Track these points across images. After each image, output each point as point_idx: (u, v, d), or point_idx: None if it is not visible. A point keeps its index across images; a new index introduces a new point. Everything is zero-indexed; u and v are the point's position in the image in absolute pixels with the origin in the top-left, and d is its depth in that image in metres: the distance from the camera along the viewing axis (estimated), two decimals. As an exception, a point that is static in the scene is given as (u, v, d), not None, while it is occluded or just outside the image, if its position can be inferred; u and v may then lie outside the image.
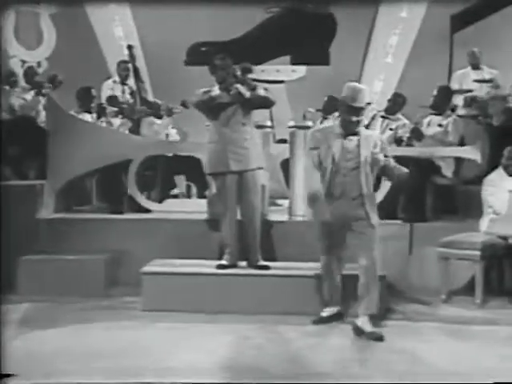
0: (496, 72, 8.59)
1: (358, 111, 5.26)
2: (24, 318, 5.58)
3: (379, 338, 5.07)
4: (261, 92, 6.00)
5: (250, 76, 6.07)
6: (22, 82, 8.76)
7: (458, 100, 8.43)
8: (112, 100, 8.44)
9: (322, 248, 5.47)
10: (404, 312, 5.74)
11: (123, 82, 8.77)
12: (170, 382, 3.91)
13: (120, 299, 6.25)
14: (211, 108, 6.00)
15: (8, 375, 3.90)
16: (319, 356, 4.71)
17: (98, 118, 8.11)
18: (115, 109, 8.30)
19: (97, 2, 11.02)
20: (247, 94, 5.95)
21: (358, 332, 5.18)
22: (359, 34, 10.74)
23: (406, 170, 5.32)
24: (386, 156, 5.33)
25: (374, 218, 5.29)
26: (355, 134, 5.29)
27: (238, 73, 6.06)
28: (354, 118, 5.23)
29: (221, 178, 6.04)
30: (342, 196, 5.24)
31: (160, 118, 8.53)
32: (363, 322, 5.21)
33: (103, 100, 8.54)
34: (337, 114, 8.42)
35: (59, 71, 8.99)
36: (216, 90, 5.98)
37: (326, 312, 5.56)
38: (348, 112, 5.25)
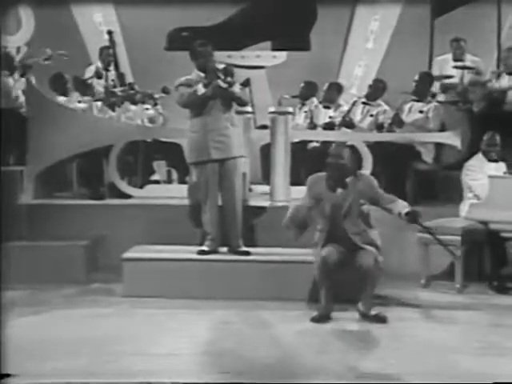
0: (478, 60, 8.60)
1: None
2: (5, 305, 5.55)
3: (382, 320, 5.14)
4: (236, 90, 6.04)
5: (230, 79, 6.06)
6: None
7: (437, 87, 8.44)
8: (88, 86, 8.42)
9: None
10: (383, 297, 5.75)
11: (106, 68, 8.72)
12: (170, 381, 3.90)
13: (101, 285, 6.25)
14: (197, 105, 6.00)
15: (8, 375, 3.87)
16: (300, 341, 4.74)
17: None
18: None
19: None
20: (225, 86, 5.96)
21: (363, 315, 5.22)
22: (340, 20, 10.70)
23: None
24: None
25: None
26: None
27: (221, 76, 6.03)
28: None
29: (201, 165, 6.04)
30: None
31: (135, 104, 8.51)
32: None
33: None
34: (315, 100, 8.49)
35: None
36: (201, 89, 5.94)
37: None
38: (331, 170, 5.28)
